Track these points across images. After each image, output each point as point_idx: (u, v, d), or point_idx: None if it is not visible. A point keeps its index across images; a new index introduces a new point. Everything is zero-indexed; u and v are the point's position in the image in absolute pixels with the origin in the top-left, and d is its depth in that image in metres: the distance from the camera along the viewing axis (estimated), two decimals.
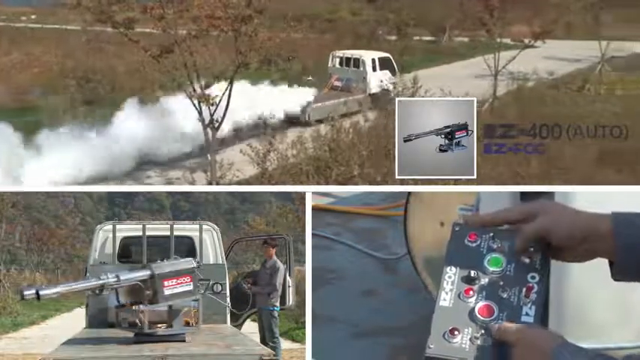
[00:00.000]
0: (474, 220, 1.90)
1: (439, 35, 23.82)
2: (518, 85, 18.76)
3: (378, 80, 18.13)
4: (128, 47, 14.49)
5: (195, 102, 12.91)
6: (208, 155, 13.15)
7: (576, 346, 1.65)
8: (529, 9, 19.13)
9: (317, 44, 21.26)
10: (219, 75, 13.25)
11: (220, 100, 12.91)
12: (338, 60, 19.06)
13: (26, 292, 4.15)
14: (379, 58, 18.64)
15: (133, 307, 4.87)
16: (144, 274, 4.79)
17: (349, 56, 18.92)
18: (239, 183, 12.74)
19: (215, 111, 12.91)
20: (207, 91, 12.83)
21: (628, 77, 19.22)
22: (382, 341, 3.80)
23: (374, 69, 18.39)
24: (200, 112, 12.92)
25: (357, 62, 18.60)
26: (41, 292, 4.18)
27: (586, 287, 3.18)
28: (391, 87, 17.32)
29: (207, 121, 12.95)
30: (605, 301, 3.23)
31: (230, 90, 13.08)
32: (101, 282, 4.55)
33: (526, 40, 18.02)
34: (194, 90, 12.87)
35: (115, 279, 4.61)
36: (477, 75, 18.98)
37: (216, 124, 13.00)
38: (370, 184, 11.24)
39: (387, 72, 18.34)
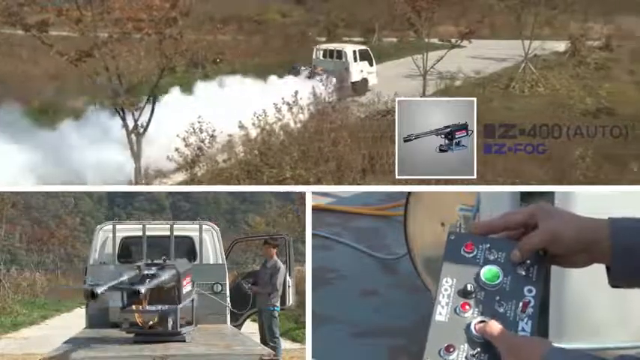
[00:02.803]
0: (475, 227, 1.88)
1: (368, 36, 24.01)
2: (446, 85, 19.15)
3: (358, 70, 19.57)
4: (43, 52, 13.90)
5: (119, 107, 12.41)
6: (133, 161, 12.70)
7: (565, 349, 1.64)
8: (455, 10, 19.53)
9: (246, 46, 21.43)
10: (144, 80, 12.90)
11: (145, 105, 12.46)
12: (321, 52, 20.29)
13: (97, 289, 4.15)
14: (359, 50, 20.05)
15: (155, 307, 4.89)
16: (173, 272, 4.85)
17: (332, 49, 20.31)
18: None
19: (140, 116, 12.43)
20: (130, 96, 12.34)
21: (550, 74, 19.71)
22: (382, 341, 3.80)
23: (355, 60, 19.69)
24: (123, 118, 12.40)
25: (340, 54, 19.93)
26: (142, 290, 4.37)
27: (586, 287, 3.17)
28: (369, 76, 19.39)
29: (131, 127, 12.44)
30: (605, 301, 3.23)
31: (155, 94, 12.67)
32: (161, 279, 4.69)
33: (453, 40, 18.45)
34: (117, 95, 12.37)
35: (164, 277, 4.72)
36: (405, 75, 19.54)
37: (142, 130, 12.49)
38: (304, 184, 11.25)
39: (365, 63, 19.75)
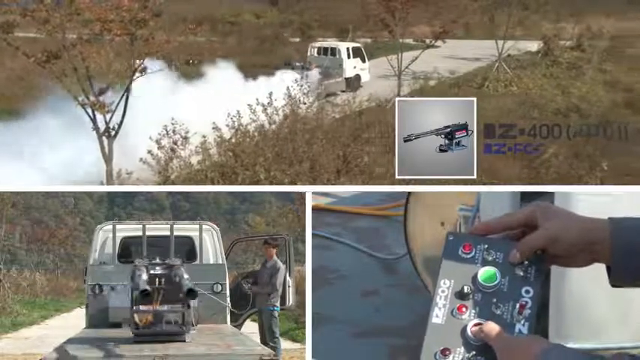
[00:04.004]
0: (476, 228, 1.87)
1: (342, 36, 24.25)
2: (421, 85, 19.32)
3: (352, 66, 20.38)
4: (8, 53, 13.65)
5: (89, 110, 12.30)
6: (104, 164, 12.61)
7: (563, 347, 1.64)
8: (429, 10, 19.74)
9: (220, 47, 21.48)
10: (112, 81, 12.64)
11: (117, 107, 12.32)
12: (316, 50, 21.07)
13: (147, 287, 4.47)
14: (352, 48, 20.83)
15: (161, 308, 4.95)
16: (183, 271, 4.93)
17: (326, 46, 21.20)
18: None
19: (111, 118, 12.34)
20: (101, 98, 12.21)
21: (523, 74, 19.90)
22: (382, 341, 3.80)
23: (348, 56, 20.46)
24: (94, 121, 12.30)
25: (334, 51, 20.70)
26: (197, 290, 4.73)
27: (586, 287, 3.17)
28: (362, 73, 20.26)
29: (102, 130, 12.33)
30: (605, 301, 3.23)
31: (127, 96, 12.52)
32: (184, 278, 4.91)
33: (427, 41, 18.60)
34: (87, 97, 12.25)
35: (186, 277, 4.94)
36: (380, 75, 19.90)
37: (113, 132, 12.39)
38: (278, 185, 11.21)
39: (358, 59, 20.56)
